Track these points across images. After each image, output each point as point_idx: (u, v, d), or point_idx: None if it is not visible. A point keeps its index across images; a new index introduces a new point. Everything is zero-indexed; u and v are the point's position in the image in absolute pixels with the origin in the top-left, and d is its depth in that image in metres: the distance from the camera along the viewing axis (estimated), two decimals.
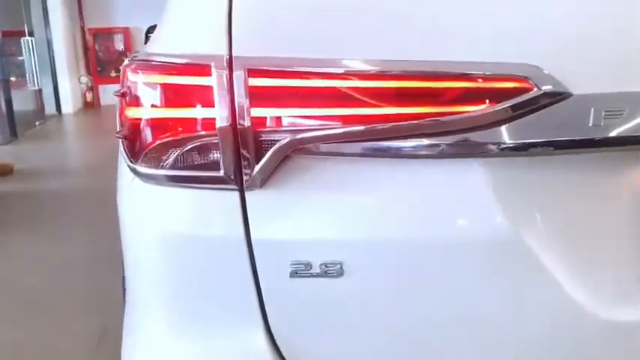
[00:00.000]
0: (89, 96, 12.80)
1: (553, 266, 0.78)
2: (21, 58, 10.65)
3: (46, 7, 11.52)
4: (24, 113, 10.03)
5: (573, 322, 0.81)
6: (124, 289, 1.07)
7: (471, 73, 0.72)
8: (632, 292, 0.83)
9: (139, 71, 0.83)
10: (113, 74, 12.56)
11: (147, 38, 3.08)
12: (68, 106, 12.04)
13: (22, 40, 10.54)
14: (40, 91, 11.29)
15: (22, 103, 10.02)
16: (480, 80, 0.72)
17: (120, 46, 12.89)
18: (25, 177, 6.16)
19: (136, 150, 0.84)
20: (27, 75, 10.66)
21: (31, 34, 10.95)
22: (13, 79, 9.89)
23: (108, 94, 12.44)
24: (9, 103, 9.16)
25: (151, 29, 2.82)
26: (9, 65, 9.58)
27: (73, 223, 4.39)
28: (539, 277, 0.78)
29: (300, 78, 0.76)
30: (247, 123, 0.75)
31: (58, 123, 11.28)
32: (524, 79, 0.72)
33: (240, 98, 0.75)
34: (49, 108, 11.74)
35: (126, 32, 12.63)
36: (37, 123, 10.64)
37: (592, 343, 0.83)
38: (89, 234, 3.63)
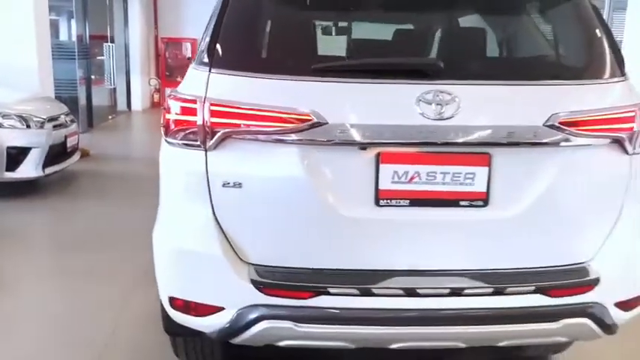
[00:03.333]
0: (156, 96, 14.37)
1: (324, 193, 1.91)
2: (100, 58, 12.03)
3: (127, 17, 13.12)
4: (100, 108, 11.54)
5: (331, 218, 1.93)
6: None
7: (291, 112, 1.86)
8: (365, 204, 1.95)
9: (172, 99, 2.01)
10: (179, 79, 13.85)
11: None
12: (137, 104, 13.63)
13: (104, 45, 12.01)
14: (114, 89, 12.81)
15: (98, 98, 11.49)
16: (295, 115, 1.86)
17: (187, 54, 14.32)
18: (98, 160, 7.60)
19: (167, 131, 2.01)
20: (105, 75, 12.10)
21: (112, 39, 12.48)
22: (93, 77, 11.25)
23: None
24: (89, 98, 10.67)
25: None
26: (92, 65, 11.10)
27: (131, 195, 5.71)
28: (317, 196, 1.91)
29: (234, 108, 1.91)
30: (209, 123, 1.91)
31: (127, 118, 12.82)
32: (310, 114, 1.85)
33: (207, 114, 1.91)
34: (121, 105, 13.34)
35: (193, 43, 14.01)
36: (110, 117, 12.14)
37: (340, 228, 1.94)
38: (143, 204, 4.88)
